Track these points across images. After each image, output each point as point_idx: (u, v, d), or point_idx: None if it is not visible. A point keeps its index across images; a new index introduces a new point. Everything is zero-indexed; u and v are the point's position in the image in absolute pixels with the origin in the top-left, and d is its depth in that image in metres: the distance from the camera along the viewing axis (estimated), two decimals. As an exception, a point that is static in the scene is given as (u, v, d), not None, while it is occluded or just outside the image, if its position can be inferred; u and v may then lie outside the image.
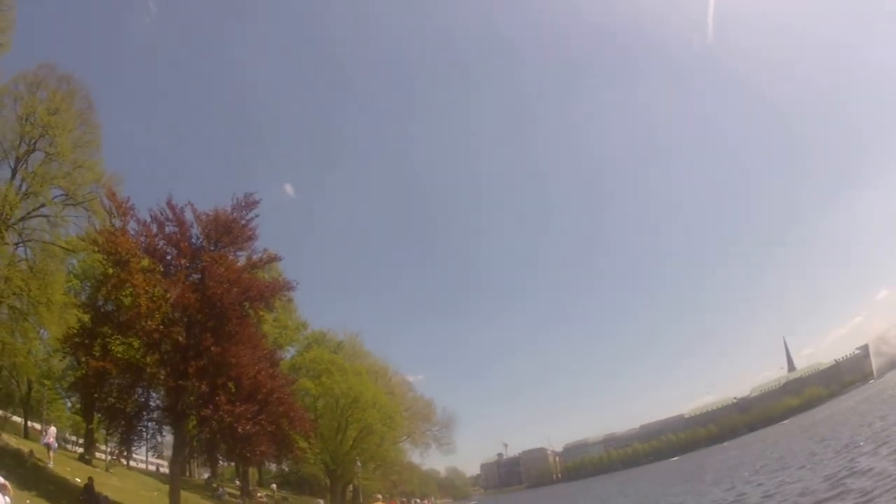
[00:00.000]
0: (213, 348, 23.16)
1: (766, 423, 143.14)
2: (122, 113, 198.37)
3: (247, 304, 25.17)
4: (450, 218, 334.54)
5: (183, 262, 24.60)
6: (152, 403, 25.16)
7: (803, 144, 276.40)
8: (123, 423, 23.50)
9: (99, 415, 23.89)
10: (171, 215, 25.57)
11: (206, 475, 57.31)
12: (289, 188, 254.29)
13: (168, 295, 22.61)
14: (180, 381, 22.39)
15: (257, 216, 27.83)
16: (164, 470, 56.37)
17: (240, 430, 22.47)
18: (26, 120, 24.88)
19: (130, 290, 22.02)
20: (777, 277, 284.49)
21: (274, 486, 64.24)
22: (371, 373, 63.67)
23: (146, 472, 45.52)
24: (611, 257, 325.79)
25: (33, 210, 24.57)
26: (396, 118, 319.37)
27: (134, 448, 26.96)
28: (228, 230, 26.14)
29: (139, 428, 24.45)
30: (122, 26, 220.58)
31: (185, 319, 23.83)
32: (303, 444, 52.00)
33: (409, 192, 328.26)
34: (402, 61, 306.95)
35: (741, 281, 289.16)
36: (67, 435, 50.11)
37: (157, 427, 25.16)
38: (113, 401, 23.14)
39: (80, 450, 40.97)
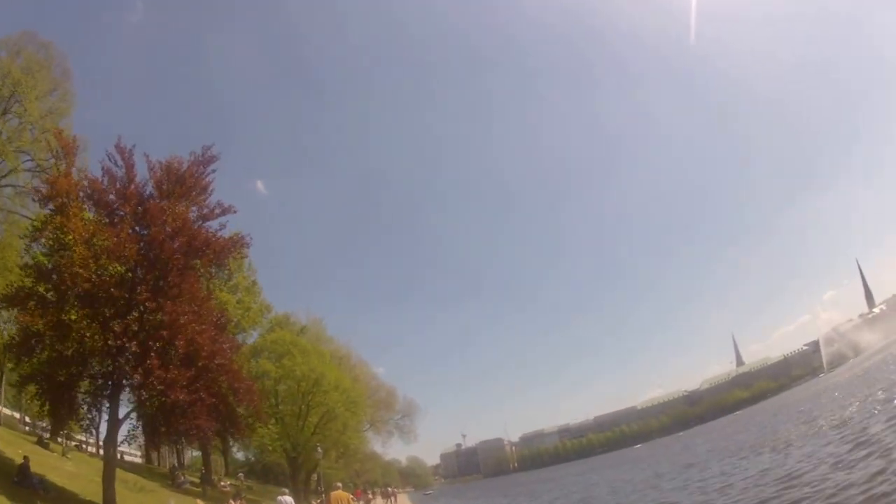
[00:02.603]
0: (147, 303, 20.37)
1: (716, 414, 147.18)
2: (90, 104, 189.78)
3: (192, 256, 22.22)
4: (412, 212, 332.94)
5: (127, 209, 21.73)
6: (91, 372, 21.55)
7: (754, 149, 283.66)
8: (51, 394, 19.99)
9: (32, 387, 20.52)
10: (119, 160, 22.65)
11: (174, 464, 54.78)
12: (260, 185, 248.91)
13: (106, 243, 19.80)
14: (109, 342, 19.28)
15: (214, 171, 25.36)
16: (134, 460, 54.30)
17: (171, 398, 19.31)
18: (2, 81, 22.42)
19: (71, 237, 19.11)
20: (726, 276, 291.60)
21: (241, 475, 62.56)
22: (335, 358, 61.39)
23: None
24: (568, 253, 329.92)
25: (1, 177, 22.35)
26: (362, 117, 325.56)
27: (80, 425, 23.21)
28: (182, 181, 23.47)
29: (74, 401, 20.73)
30: (106, 21, 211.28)
31: (123, 272, 20.82)
32: (262, 430, 50.73)
33: (373, 188, 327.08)
34: (368, 61, 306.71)
35: (692, 279, 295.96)
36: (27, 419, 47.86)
37: (91, 400, 21.45)
38: (43, 367, 19.82)
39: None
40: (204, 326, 21.59)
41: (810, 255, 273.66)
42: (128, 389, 21.29)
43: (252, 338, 53.53)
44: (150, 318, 20.70)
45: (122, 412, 21.80)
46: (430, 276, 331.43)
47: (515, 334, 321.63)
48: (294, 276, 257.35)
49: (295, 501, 29.86)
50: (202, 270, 23.87)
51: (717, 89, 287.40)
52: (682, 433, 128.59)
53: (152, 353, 19.70)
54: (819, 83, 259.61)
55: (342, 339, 74.91)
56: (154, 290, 20.90)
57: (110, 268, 20.16)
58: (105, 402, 21.42)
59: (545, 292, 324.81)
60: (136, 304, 20.46)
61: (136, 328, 20.28)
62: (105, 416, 23.03)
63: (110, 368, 20.55)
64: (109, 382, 20.86)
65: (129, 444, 40.91)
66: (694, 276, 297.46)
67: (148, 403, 20.21)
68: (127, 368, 19.81)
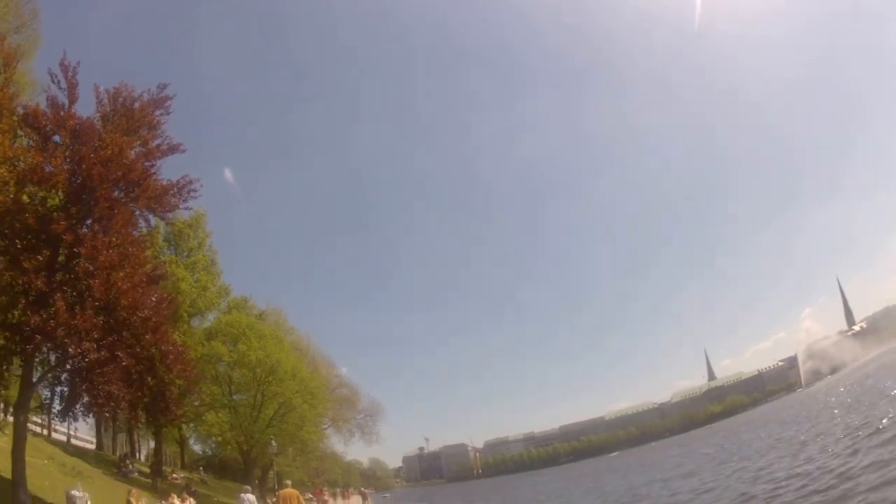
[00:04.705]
0: (64, 235, 16.67)
1: (686, 427, 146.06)
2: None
3: (127, 190, 18.78)
4: (384, 211, 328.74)
5: (64, 135, 18.31)
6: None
7: (738, 163, 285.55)
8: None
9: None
10: (62, 80, 19.31)
11: (126, 451, 50.59)
12: (228, 173, 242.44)
13: (33, 163, 16.45)
14: (17, 281, 15.58)
15: (169, 114, 22.43)
16: (86, 445, 50.26)
17: (72, 350, 15.63)
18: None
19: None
20: (702, 290, 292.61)
21: (201, 468, 59.01)
22: (295, 349, 57.57)
23: (56, 442, 39.40)
24: (543, 261, 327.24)
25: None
26: (340, 113, 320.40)
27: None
28: (129, 113, 20.34)
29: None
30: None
31: (46, 198, 17.39)
32: (211, 417, 47.05)
33: (347, 183, 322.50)
34: (351, 51, 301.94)
35: (667, 292, 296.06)
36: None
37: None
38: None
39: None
40: (130, 271, 17.90)
41: (789, 272, 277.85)
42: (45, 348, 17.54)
43: (209, 322, 49.67)
44: (66, 251, 17.13)
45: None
46: (399, 277, 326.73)
47: (484, 340, 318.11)
48: (258, 269, 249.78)
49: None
50: (140, 212, 20.41)
51: (703, 101, 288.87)
52: (653, 443, 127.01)
53: (58, 294, 16.02)
54: (810, 99, 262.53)
55: (303, 331, 70.92)
56: (75, 221, 17.45)
57: (33, 195, 16.95)
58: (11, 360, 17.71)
59: (518, 299, 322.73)
60: (51, 236, 16.86)
61: (46, 261, 16.73)
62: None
63: (18, 316, 16.79)
64: (17, 336, 16.93)
65: (45, 415, 37.20)
66: (669, 289, 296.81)
67: (48, 349, 16.65)
68: (29, 313, 15.93)
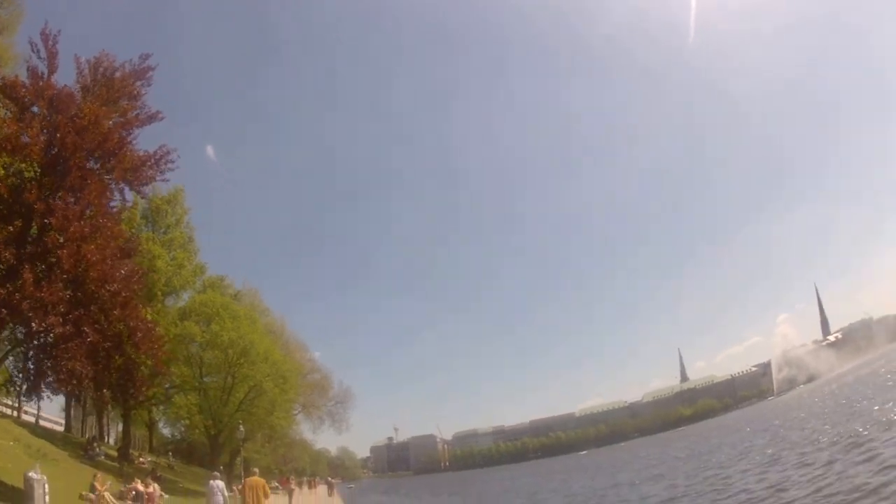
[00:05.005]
0: (35, 205, 16.04)
1: (657, 428, 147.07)
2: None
3: (102, 159, 18.19)
4: (361, 197, 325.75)
5: (42, 105, 17.67)
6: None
7: (720, 161, 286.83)
8: None
9: None
10: (42, 50, 18.63)
11: (94, 434, 49.89)
12: (210, 151, 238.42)
13: (9, 133, 15.81)
14: None
15: (150, 85, 21.94)
16: (55, 427, 49.19)
17: (35, 325, 15.02)
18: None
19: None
20: (678, 291, 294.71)
21: (170, 453, 58.08)
22: (269, 332, 56.67)
23: (25, 424, 38.41)
24: (518, 253, 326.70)
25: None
26: (320, 94, 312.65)
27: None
28: (109, 83, 19.77)
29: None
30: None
31: (23, 172, 16.75)
32: (179, 399, 46.30)
33: (327, 166, 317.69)
34: (333, 31, 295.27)
35: (643, 290, 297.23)
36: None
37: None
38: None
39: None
40: (101, 243, 17.30)
41: (766, 276, 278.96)
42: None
43: (183, 301, 48.72)
44: (38, 222, 16.50)
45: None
46: (376, 265, 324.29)
47: (457, 333, 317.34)
48: (235, 249, 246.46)
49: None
50: (115, 184, 19.78)
51: (687, 100, 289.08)
52: (623, 443, 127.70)
53: (27, 266, 15.39)
54: (794, 101, 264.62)
55: (277, 314, 69.99)
56: (48, 192, 16.82)
57: (7, 166, 16.31)
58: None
59: (491, 293, 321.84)
60: (25, 205, 16.22)
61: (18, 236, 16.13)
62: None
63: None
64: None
65: (10, 393, 36.29)
66: (645, 287, 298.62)
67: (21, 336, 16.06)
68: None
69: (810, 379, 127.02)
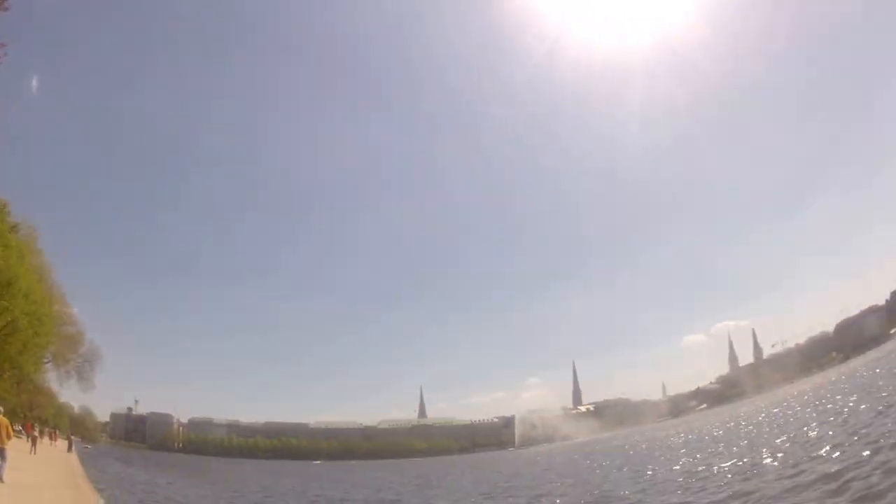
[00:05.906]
0: None
1: (389, 455, 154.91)
2: None
3: None
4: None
5: None
6: None
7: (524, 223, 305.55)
8: None
9: None
10: None
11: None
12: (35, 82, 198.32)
13: None
14: None
15: None
16: None
17: None
18: None
19: None
20: (433, 336, 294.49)
21: None
22: (36, 273, 51.88)
23: None
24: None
25: None
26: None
27: None
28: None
29: None
30: None
31: None
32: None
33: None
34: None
35: (397, 325, 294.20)
36: None
37: None
38: None
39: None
40: None
41: (530, 345, 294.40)
42: None
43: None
44: None
45: None
46: (161, 224, 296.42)
47: (216, 319, 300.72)
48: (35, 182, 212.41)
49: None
50: None
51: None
52: (355, 462, 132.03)
53: None
54: None
55: (47, 258, 64.67)
56: None
57: None
58: None
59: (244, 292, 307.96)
60: None
61: None
62: None
63: None
64: None
65: None
66: (400, 322, 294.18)
67: None
68: None
69: (553, 440, 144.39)
